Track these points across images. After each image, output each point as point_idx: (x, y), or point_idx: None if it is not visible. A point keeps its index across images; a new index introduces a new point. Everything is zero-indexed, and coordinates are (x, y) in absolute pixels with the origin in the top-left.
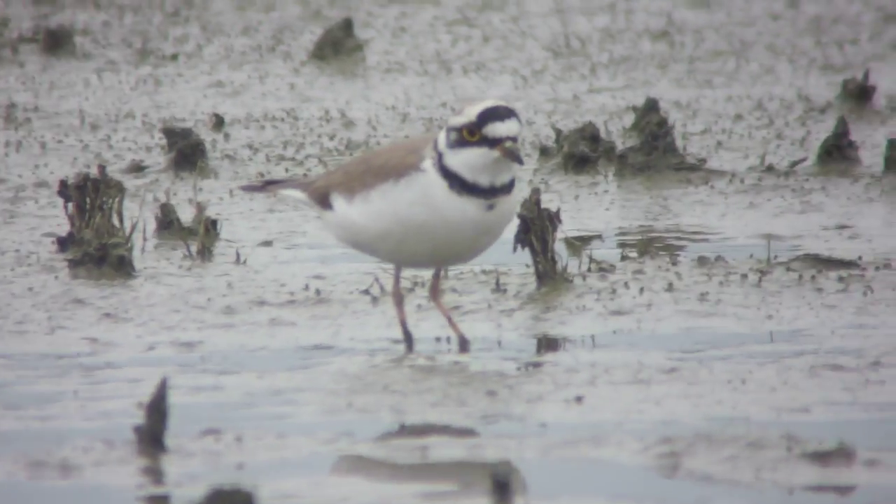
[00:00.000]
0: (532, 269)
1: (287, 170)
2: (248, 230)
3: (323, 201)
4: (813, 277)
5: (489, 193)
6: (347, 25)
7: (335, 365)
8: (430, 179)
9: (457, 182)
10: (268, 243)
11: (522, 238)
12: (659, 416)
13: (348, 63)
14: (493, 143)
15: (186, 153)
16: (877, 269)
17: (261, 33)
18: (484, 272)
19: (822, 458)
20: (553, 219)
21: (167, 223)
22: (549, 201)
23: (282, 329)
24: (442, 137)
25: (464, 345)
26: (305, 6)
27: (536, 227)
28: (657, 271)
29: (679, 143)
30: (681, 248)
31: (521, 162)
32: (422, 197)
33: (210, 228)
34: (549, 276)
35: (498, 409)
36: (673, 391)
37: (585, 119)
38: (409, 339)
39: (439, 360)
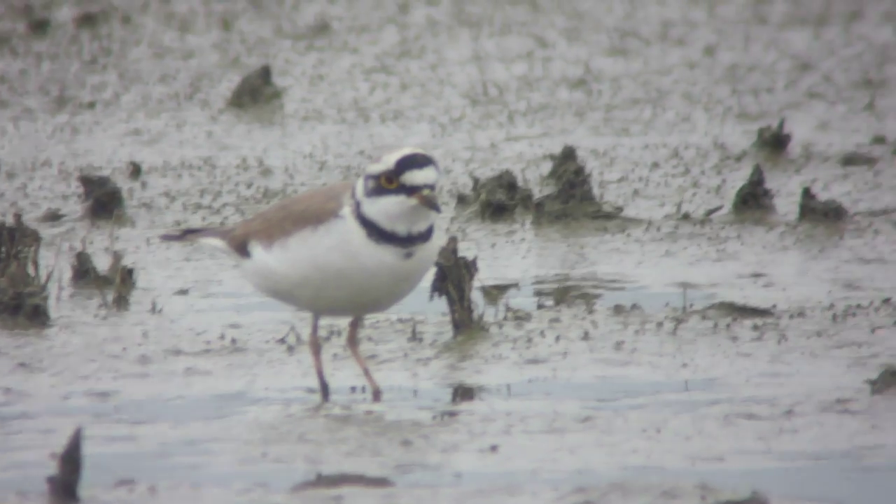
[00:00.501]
0: (448, 318)
1: (204, 218)
2: (164, 279)
3: (241, 249)
4: (728, 326)
5: (406, 241)
6: (265, 73)
7: (250, 414)
8: (347, 226)
9: (374, 230)
10: (184, 292)
11: (439, 286)
12: (574, 465)
13: (266, 111)
14: (411, 191)
15: (103, 201)
16: (791, 317)
17: (178, 81)
18: (400, 321)
19: None
20: (470, 267)
21: (83, 272)
22: (465, 249)
23: (197, 378)
24: (360, 185)
25: (377, 395)
26: (223, 54)
27: (453, 276)
28: (573, 320)
29: (596, 191)
30: (597, 296)
31: (438, 210)
32: (340, 244)
33: (126, 277)
34: (465, 324)
35: (413, 459)
36: (588, 440)
37: (503, 167)
38: (325, 388)
39: (355, 409)
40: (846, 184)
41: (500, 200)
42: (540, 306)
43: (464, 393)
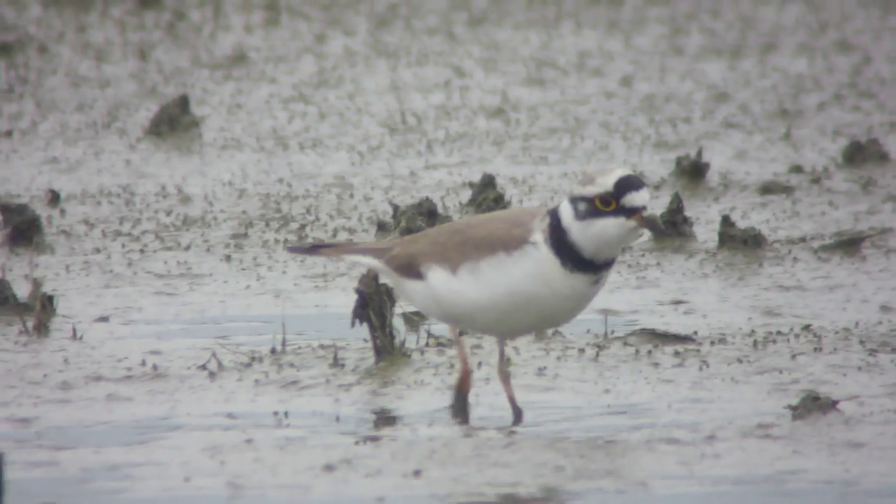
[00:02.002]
0: (370, 344)
1: (124, 245)
2: (84, 305)
3: (406, 270)
4: (649, 352)
5: (598, 268)
6: (183, 102)
7: (172, 440)
8: (541, 254)
9: (569, 258)
10: (104, 319)
11: (360, 313)
12: (498, 489)
13: (185, 139)
14: (631, 212)
15: (22, 229)
16: (712, 343)
17: (96, 110)
18: (322, 347)
19: None
20: (391, 294)
21: (3, 299)
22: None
23: (119, 404)
24: (566, 210)
25: (518, 418)
26: (141, 83)
27: (374, 303)
28: (495, 346)
29: None
30: None
31: (661, 231)
32: (534, 270)
33: (46, 304)
34: (387, 350)
35: (336, 485)
36: (511, 464)
37: (422, 195)
38: (518, 413)
39: (277, 434)
40: (765, 212)
41: (420, 228)
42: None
43: (386, 418)
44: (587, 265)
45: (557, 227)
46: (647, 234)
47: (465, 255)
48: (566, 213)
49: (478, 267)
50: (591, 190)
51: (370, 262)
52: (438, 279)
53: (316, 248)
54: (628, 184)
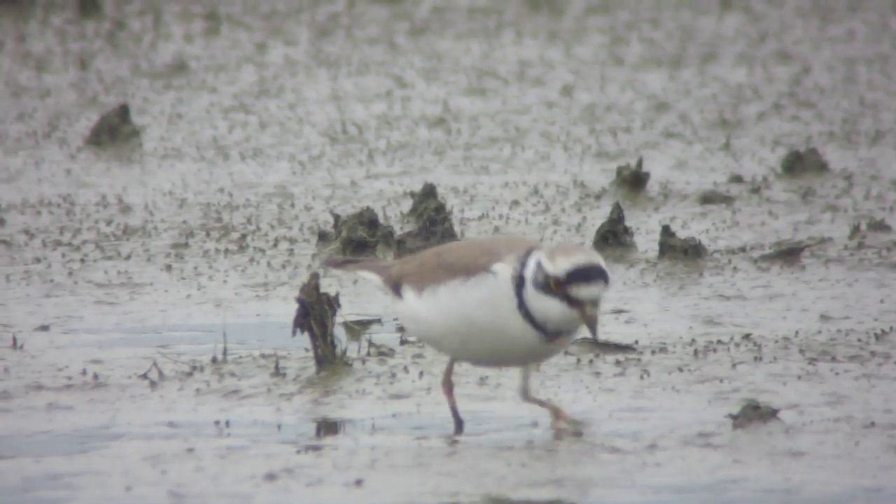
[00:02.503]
0: (312, 354)
1: (64, 255)
2: (24, 315)
3: (395, 289)
4: (591, 361)
5: (554, 334)
6: (124, 112)
7: (113, 449)
8: (499, 284)
9: (529, 315)
10: (45, 328)
11: (301, 322)
12: (439, 499)
13: (125, 149)
14: (575, 302)
15: None
16: (653, 352)
17: (36, 119)
18: (263, 356)
19: None
20: (332, 303)
21: None
22: (328, 286)
23: (59, 413)
24: (531, 267)
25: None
26: (81, 93)
27: (316, 312)
28: (437, 355)
29: (457, 228)
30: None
31: (594, 334)
32: (487, 298)
33: None
34: (328, 360)
35: (278, 494)
36: (453, 473)
37: (363, 204)
38: (459, 423)
39: (218, 444)
40: (705, 222)
41: (361, 237)
42: (403, 342)
43: (328, 427)
44: (541, 328)
45: (521, 276)
46: (586, 243)
47: (434, 278)
48: (530, 271)
49: (437, 290)
50: (548, 268)
51: (373, 278)
52: (409, 299)
53: (345, 263)
54: (580, 276)
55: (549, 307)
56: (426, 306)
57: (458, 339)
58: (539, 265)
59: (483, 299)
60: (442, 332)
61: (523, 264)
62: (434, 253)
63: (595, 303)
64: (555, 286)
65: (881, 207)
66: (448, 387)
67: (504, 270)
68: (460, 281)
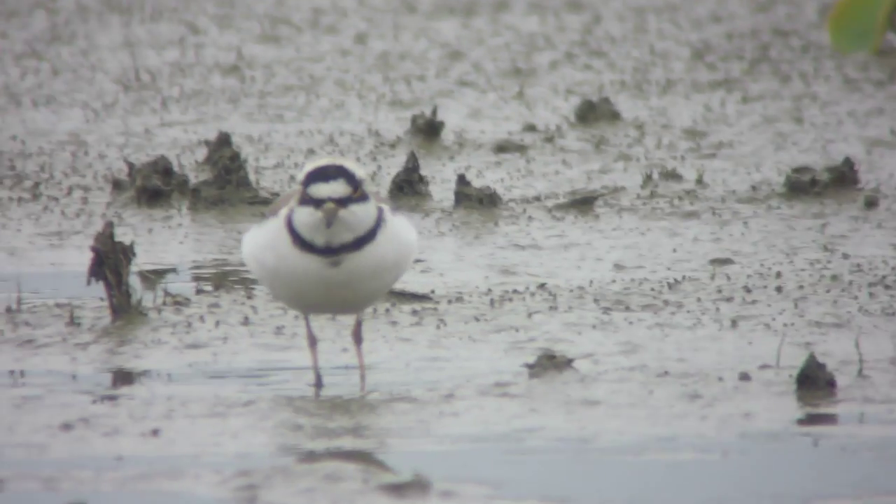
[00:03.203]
0: (107, 303)
1: None
2: None
3: None
4: (387, 311)
5: (329, 252)
6: None
7: None
8: (278, 228)
9: (298, 238)
10: None
11: (96, 271)
12: (236, 448)
13: None
14: (317, 203)
15: None
16: (449, 302)
17: None
18: (58, 305)
19: (398, 489)
20: (127, 252)
21: None
22: (122, 235)
23: None
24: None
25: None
26: None
27: (110, 261)
28: (233, 305)
29: (252, 176)
30: (255, 281)
31: (328, 226)
32: (269, 243)
33: None
34: (123, 309)
35: (74, 444)
36: (250, 423)
37: (158, 153)
38: (318, 378)
39: (13, 393)
40: (500, 171)
41: (155, 186)
42: (199, 291)
43: (124, 377)
44: (312, 247)
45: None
46: (381, 191)
47: (255, 223)
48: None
49: (246, 236)
50: (299, 177)
51: None
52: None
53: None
54: (318, 176)
55: (300, 216)
56: (243, 250)
57: (267, 284)
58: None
59: (264, 243)
60: (255, 276)
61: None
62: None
63: (336, 200)
64: (301, 194)
65: (673, 157)
66: (310, 341)
67: (283, 213)
68: (255, 227)
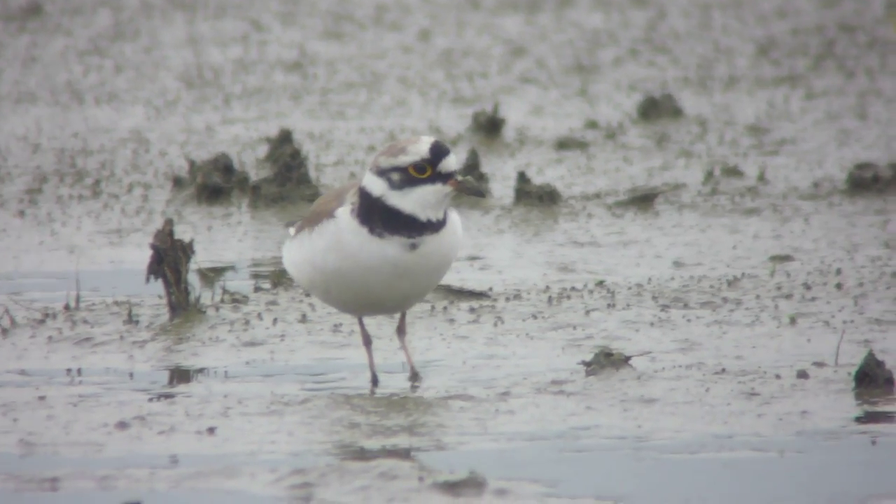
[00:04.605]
0: (165, 301)
1: None
2: None
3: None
4: (445, 308)
5: (415, 231)
6: None
7: None
8: (343, 226)
9: (381, 224)
10: None
11: (155, 269)
12: (292, 446)
13: None
14: (446, 178)
15: None
16: (507, 299)
17: None
18: (116, 303)
19: (452, 487)
20: (186, 250)
21: None
22: (182, 232)
23: None
24: (375, 182)
25: (414, 376)
26: None
27: (169, 258)
28: (291, 302)
29: (313, 173)
30: None
31: (480, 193)
32: (333, 244)
33: None
34: (182, 307)
35: (130, 442)
36: (306, 421)
37: (219, 150)
38: (374, 377)
39: (70, 391)
40: (560, 168)
41: (216, 183)
42: (257, 289)
43: (181, 375)
44: (402, 228)
45: (368, 198)
46: None
47: (298, 229)
48: (376, 185)
49: (293, 242)
50: (405, 160)
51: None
52: (285, 251)
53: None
54: (441, 150)
55: (423, 194)
56: (286, 257)
57: (320, 289)
58: (385, 171)
59: (327, 246)
60: (303, 283)
61: (362, 193)
62: (317, 201)
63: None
64: (418, 172)
65: (735, 153)
66: (364, 340)
67: (343, 212)
68: (308, 231)
